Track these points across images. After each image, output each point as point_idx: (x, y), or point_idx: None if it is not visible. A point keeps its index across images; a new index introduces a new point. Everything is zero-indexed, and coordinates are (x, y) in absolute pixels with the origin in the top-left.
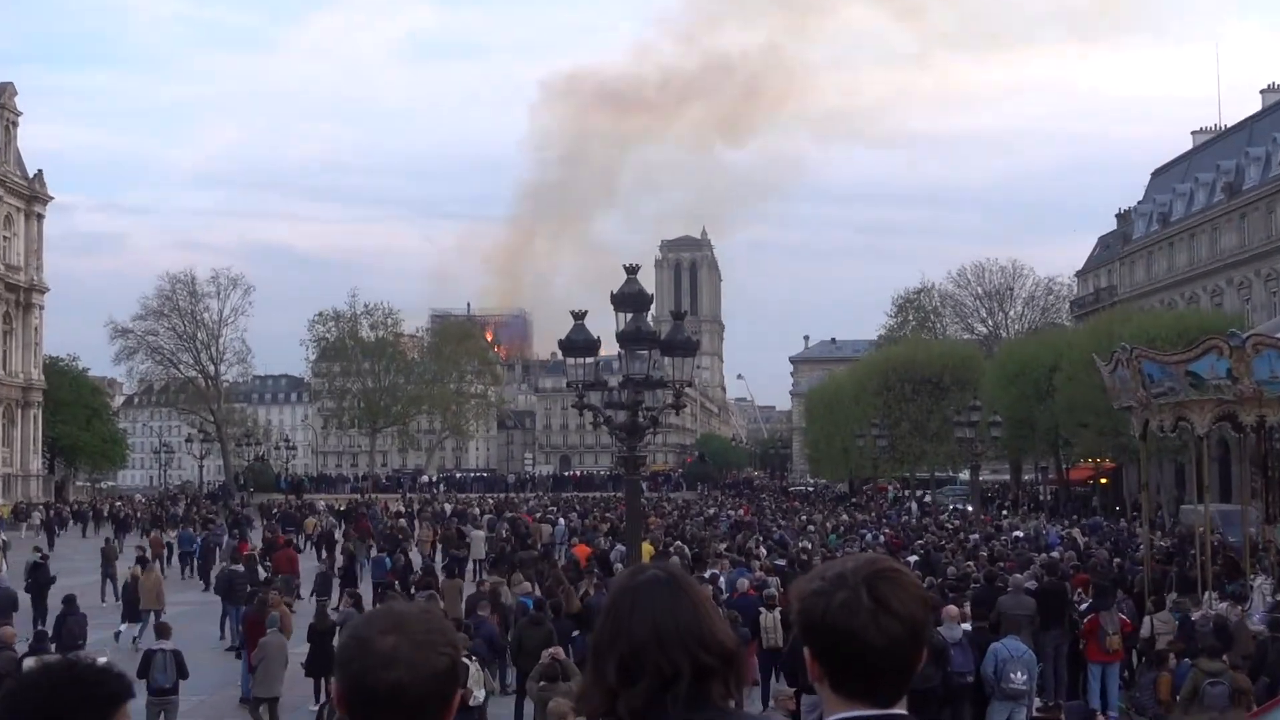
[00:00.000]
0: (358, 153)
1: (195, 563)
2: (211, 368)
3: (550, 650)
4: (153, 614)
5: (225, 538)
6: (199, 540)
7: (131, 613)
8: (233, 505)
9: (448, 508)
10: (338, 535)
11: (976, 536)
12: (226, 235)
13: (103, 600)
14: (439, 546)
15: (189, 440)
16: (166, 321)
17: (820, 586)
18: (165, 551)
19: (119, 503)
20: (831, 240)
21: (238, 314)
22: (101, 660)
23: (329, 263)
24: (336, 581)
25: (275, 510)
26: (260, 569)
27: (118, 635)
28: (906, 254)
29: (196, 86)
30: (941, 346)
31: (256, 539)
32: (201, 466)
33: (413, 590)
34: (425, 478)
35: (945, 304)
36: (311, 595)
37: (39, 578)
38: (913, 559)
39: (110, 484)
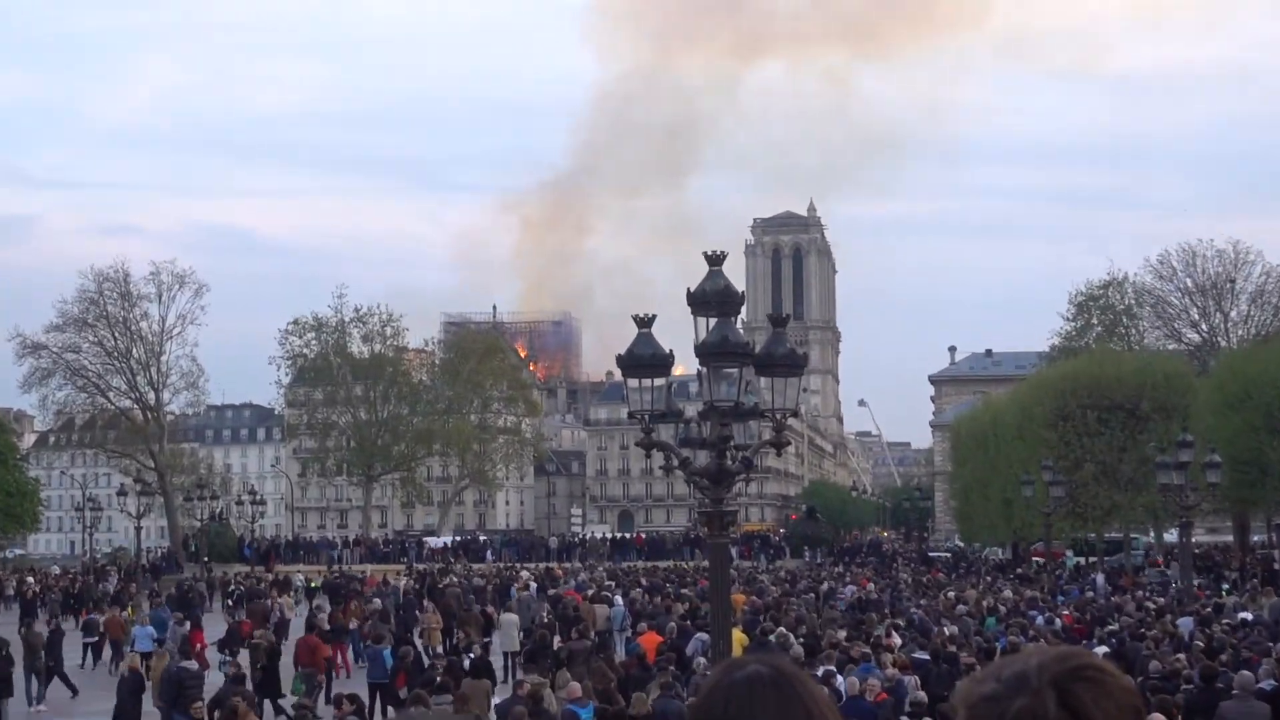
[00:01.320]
0: (341, 100)
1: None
2: (151, 395)
3: None
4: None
5: (170, 624)
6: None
7: (131, 713)
8: (182, 580)
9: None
10: (321, 619)
11: (1189, 620)
12: (167, 216)
13: (31, 705)
14: (454, 634)
15: (122, 493)
16: (91, 334)
17: (993, 690)
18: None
19: (30, 578)
20: (987, 215)
21: (186, 323)
22: None
23: (305, 252)
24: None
25: (234, 587)
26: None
27: None
28: (1090, 234)
29: (124, 13)
30: (1138, 360)
31: (215, 627)
32: (139, 529)
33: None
34: (438, 542)
35: (1143, 302)
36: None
37: None
38: (1102, 650)
39: (19, 552)
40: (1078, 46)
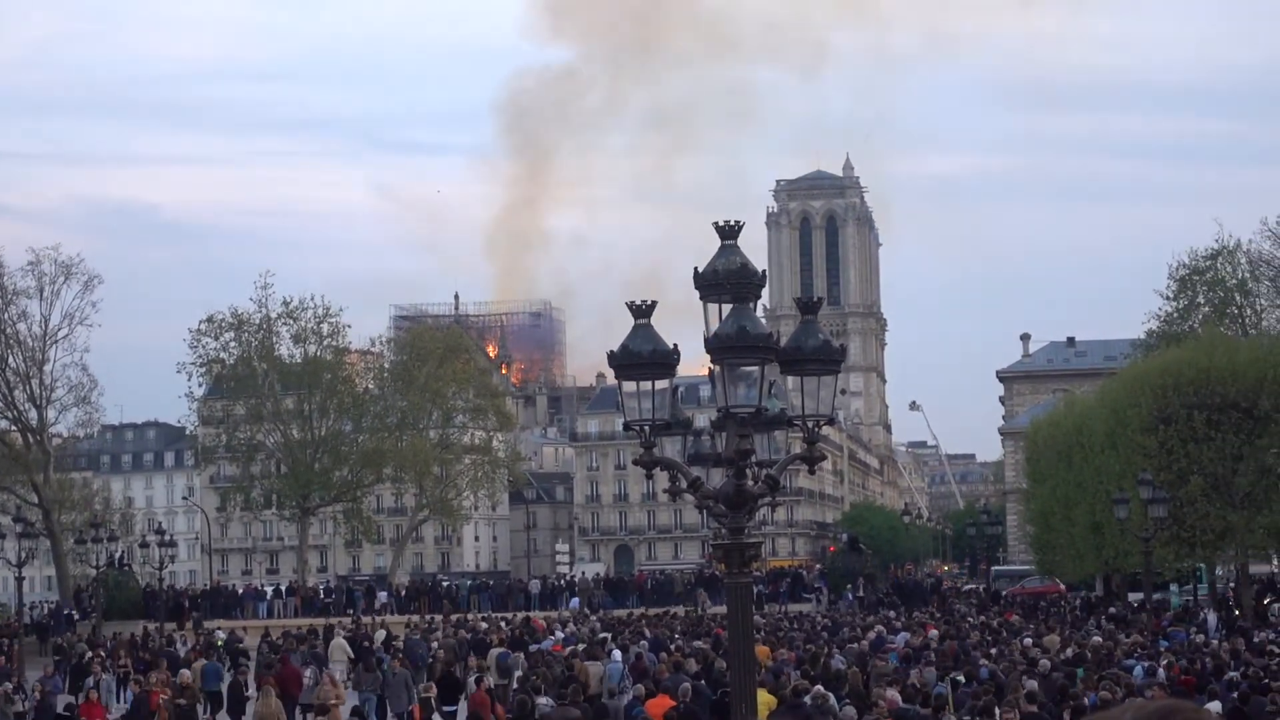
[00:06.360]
0: (258, 47)
1: None
2: (33, 414)
3: None
4: None
5: (58, 696)
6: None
7: None
8: (69, 641)
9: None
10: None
11: None
12: (48, 190)
13: None
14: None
15: None
16: None
17: None
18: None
19: None
20: (1067, 172)
21: (74, 323)
22: None
23: (219, 233)
24: None
25: (129, 648)
26: None
27: None
28: (1195, 193)
29: None
30: (1255, 348)
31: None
32: (20, 579)
33: None
34: (382, 594)
35: (1260, 275)
36: None
37: None
38: (1215, 706)
39: None
40: None
